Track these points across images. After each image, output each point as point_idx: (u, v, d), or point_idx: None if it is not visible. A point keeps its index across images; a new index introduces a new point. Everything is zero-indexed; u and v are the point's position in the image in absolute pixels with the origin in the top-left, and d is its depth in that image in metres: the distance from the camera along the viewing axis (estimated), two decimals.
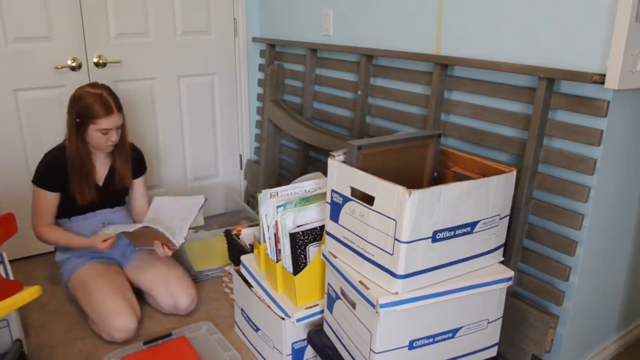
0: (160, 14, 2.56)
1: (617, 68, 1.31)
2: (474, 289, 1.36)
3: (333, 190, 1.44)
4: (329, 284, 1.53)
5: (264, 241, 1.68)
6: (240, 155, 3.02)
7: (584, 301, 1.62)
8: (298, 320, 1.60)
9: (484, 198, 1.33)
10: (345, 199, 1.39)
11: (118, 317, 1.82)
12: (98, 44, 2.44)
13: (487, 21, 1.66)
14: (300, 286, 1.60)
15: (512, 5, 1.58)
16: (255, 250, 1.79)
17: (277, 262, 1.64)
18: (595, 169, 1.44)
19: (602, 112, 1.39)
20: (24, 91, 2.33)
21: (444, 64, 1.80)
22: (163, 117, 2.71)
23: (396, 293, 1.28)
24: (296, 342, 1.66)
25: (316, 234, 1.61)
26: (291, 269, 1.61)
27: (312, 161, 2.58)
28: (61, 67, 2.37)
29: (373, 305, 1.27)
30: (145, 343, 1.81)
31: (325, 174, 1.60)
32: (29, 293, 1.43)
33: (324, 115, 2.45)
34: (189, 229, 2.69)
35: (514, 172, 1.40)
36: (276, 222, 1.60)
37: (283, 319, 1.61)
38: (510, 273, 1.41)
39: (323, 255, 1.53)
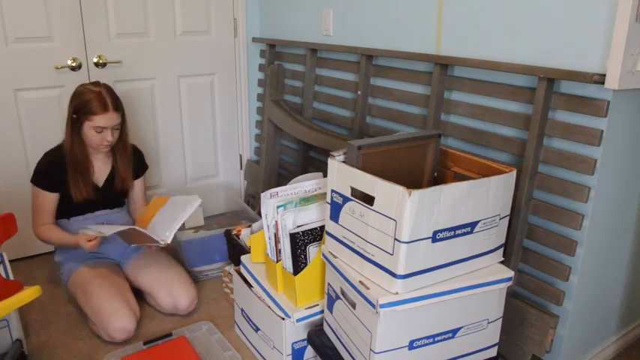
0: (160, 14, 2.56)
1: (617, 68, 1.31)
2: (474, 289, 1.36)
3: (333, 190, 1.44)
4: (329, 284, 1.53)
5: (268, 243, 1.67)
6: (240, 155, 3.02)
7: (584, 301, 1.62)
8: (298, 320, 1.60)
9: (484, 198, 1.33)
10: (345, 199, 1.39)
11: (116, 318, 1.82)
12: (98, 44, 2.44)
13: (487, 21, 1.66)
14: (300, 286, 1.60)
15: (512, 5, 1.58)
16: (268, 268, 1.73)
17: (277, 262, 1.64)
18: (595, 169, 1.44)
19: (602, 112, 1.39)
20: (24, 91, 2.33)
21: (444, 64, 1.80)
22: (163, 117, 2.71)
23: (396, 293, 1.28)
24: (296, 342, 1.66)
25: (316, 234, 1.61)
26: (291, 269, 1.61)
27: (312, 161, 2.58)
28: (61, 67, 2.37)
29: (373, 305, 1.27)
30: (145, 343, 1.81)
31: (325, 174, 1.59)
32: (29, 293, 1.43)
33: (324, 115, 2.45)
34: (189, 229, 2.71)
35: (514, 172, 1.40)
36: (276, 222, 1.60)
37: (283, 319, 1.61)
38: (510, 273, 1.41)
39: (323, 255, 1.53)
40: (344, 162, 1.42)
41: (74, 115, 1.90)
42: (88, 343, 1.89)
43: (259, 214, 2.65)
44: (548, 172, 1.55)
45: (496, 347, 1.49)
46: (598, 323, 1.75)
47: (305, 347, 1.68)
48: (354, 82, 2.24)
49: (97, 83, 1.96)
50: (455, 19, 1.77)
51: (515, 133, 1.65)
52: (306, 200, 1.65)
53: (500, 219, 1.40)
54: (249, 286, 1.80)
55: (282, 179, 2.77)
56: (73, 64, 2.39)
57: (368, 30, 2.13)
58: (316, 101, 2.51)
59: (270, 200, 1.63)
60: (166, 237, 1.86)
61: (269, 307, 1.68)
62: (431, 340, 1.36)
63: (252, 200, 2.93)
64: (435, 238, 1.27)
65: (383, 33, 2.06)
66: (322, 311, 1.64)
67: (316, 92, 2.49)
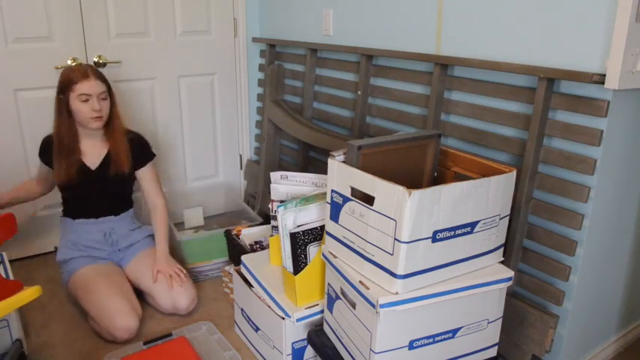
0: (160, 14, 2.56)
1: (617, 68, 1.31)
2: (474, 289, 1.36)
3: (333, 190, 1.44)
4: (329, 284, 1.53)
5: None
6: (240, 155, 3.02)
7: (584, 301, 1.62)
8: (298, 320, 1.60)
9: (484, 198, 1.33)
10: (345, 199, 1.39)
11: (120, 317, 1.82)
12: (98, 44, 2.44)
13: (487, 21, 1.66)
14: (301, 286, 1.60)
15: (512, 5, 1.58)
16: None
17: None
18: (595, 169, 1.44)
19: (602, 112, 1.39)
20: (24, 91, 2.33)
21: (444, 64, 1.80)
22: (163, 117, 2.71)
23: (396, 293, 1.28)
24: (296, 342, 1.66)
25: (317, 234, 1.61)
26: (291, 269, 1.61)
27: (312, 161, 2.58)
28: (61, 67, 2.36)
29: (373, 305, 1.27)
30: (145, 343, 1.81)
31: (325, 174, 1.60)
32: (29, 293, 1.43)
33: (324, 115, 2.45)
34: (189, 229, 2.71)
35: (514, 172, 1.40)
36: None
37: (283, 318, 1.61)
38: (510, 273, 1.41)
39: (323, 255, 1.53)
40: (344, 162, 1.42)
41: (60, 96, 1.92)
42: (88, 343, 1.89)
43: (259, 214, 2.65)
44: (548, 172, 1.55)
45: (496, 347, 1.49)
46: (598, 323, 1.75)
47: (305, 347, 1.68)
48: (354, 82, 2.24)
49: (79, 64, 2.01)
50: (455, 19, 1.77)
51: (515, 133, 1.65)
52: (306, 200, 1.65)
53: (500, 219, 1.40)
54: (249, 286, 1.80)
55: None
56: (73, 64, 2.39)
57: (368, 30, 2.13)
58: (316, 101, 2.51)
59: (280, 182, 1.74)
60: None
61: (269, 306, 1.68)
62: (431, 340, 1.36)
63: (252, 200, 2.93)
64: (435, 238, 1.27)
65: (383, 33, 2.06)
66: (322, 311, 1.64)
67: (316, 92, 2.49)
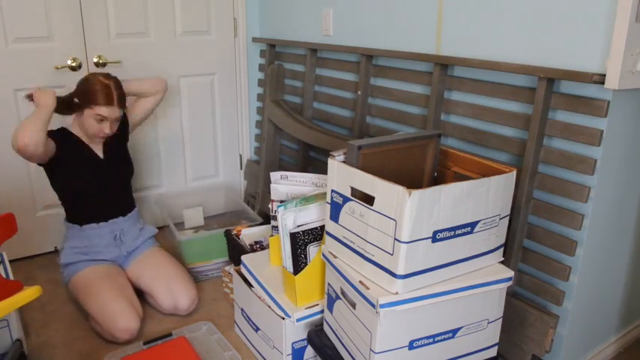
0: (160, 14, 2.56)
1: (617, 68, 1.31)
2: (474, 289, 1.36)
3: (333, 190, 1.44)
4: (329, 284, 1.53)
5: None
6: (240, 155, 3.02)
7: (584, 301, 1.62)
8: (298, 320, 1.60)
9: (484, 198, 1.33)
10: (345, 199, 1.39)
11: (121, 318, 1.82)
12: (98, 44, 2.44)
13: (487, 21, 1.66)
14: (301, 286, 1.60)
15: (512, 5, 1.58)
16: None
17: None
18: (595, 169, 1.44)
19: (602, 112, 1.39)
20: (24, 91, 2.33)
21: (444, 64, 1.80)
22: (163, 117, 2.71)
23: (396, 293, 1.28)
24: (296, 342, 1.66)
25: (316, 234, 1.61)
26: (291, 269, 1.61)
27: (312, 161, 2.58)
28: (61, 67, 2.37)
29: (373, 305, 1.27)
30: (145, 343, 1.81)
31: (325, 174, 1.60)
32: (29, 293, 1.43)
33: (324, 115, 2.45)
34: (189, 229, 2.71)
35: (514, 172, 1.40)
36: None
37: (283, 318, 1.61)
38: (510, 273, 1.41)
39: (323, 255, 1.53)
40: (344, 162, 1.42)
41: (76, 99, 1.91)
42: (88, 343, 1.89)
43: (259, 214, 2.65)
44: (548, 172, 1.55)
45: (496, 347, 1.49)
46: (598, 323, 1.75)
47: (305, 347, 1.68)
48: (354, 82, 2.24)
49: (107, 75, 1.96)
50: (455, 19, 1.77)
51: (515, 133, 1.65)
52: (306, 200, 1.65)
53: (500, 219, 1.40)
54: (249, 286, 1.80)
55: None
56: (73, 64, 2.39)
57: (368, 30, 2.13)
58: (316, 101, 2.51)
59: (280, 181, 1.74)
60: None
61: (269, 306, 1.68)
62: (431, 340, 1.36)
63: (252, 200, 2.93)
64: (435, 238, 1.27)
65: (383, 33, 2.06)
66: (322, 311, 1.64)
67: (316, 92, 2.49)
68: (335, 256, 1.46)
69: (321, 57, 2.43)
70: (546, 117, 1.52)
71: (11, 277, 1.73)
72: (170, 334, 1.87)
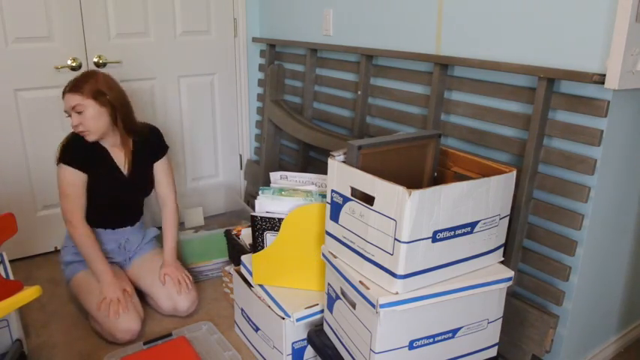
0: (160, 14, 2.56)
1: (617, 68, 1.31)
2: (474, 289, 1.36)
3: (333, 190, 1.44)
4: (329, 284, 1.53)
5: None
6: (240, 155, 3.02)
7: (584, 301, 1.62)
8: (298, 320, 1.60)
9: (484, 198, 1.33)
10: (345, 199, 1.39)
11: (122, 319, 1.82)
12: (98, 44, 2.44)
13: (487, 21, 1.66)
14: (256, 265, 1.72)
15: (512, 5, 1.58)
16: None
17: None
18: (595, 169, 1.44)
19: (602, 112, 1.39)
20: (24, 91, 2.33)
21: (444, 64, 1.80)
22: (163, 117, 2.71)
23: (396, 293, 1.28)
24: (296, 342, 1.66)
25: (274, 224, 1.68)
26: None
27: (312, 161, 2.58)
28: (61, 67, 2.37)
29: (373, 305, 1.27)
30: (145, 343, 1.81)
31: (325, 174, 1.60)
32: (29, 293, 1.43)
33: (324, 115, 2.45)
34: (189, 229, 2.70)
35: (514, 172, 1.40)
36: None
37: (283, 318, 1.61)
38: (510, 273, 1.41)
39: (323, 255, 1.53)
40: (344, 162, 1.42)
41: None
42: (88, 343, 1.89)
43: None
44: (548, 172, 1.55)
45: (496, 347, 1.49)
46: (598, 323, 1.75)
47: (305, 347, 1.68)
48: (354, 82, 2.24)
49: (93, 70, 1.90)
50: (455, 19, 1.77)
51: (515, 133, 1.65)
52: (284, 191, 1.70)
53: (500, 219, 1.40)
54: (249, 286, 1.80)
55: None
56: (73, 64, 2.39)
57: (368, 30, 2.13)
58: (316, 101, 2.51)
59: (279, 181, 1.81)
60: None
61: (269, 306, 1.68)
62: (431, 340, 1.36)
63: (252, 200, 2.92)
64: (435, 238, 1.27)
65: (383, 33, 2.06)
66: (322, 311, 1.64)
67: (316, 92, 2.49)
68: (335, 256, 1.46)
69: (321, 57, 2.43)
70: (546, 117, 1.52)
71: (11, 277, 1.73)
72: (170, 334, 1.87)
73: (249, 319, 1.82)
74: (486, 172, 1.44)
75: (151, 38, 2.57)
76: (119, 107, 1.88)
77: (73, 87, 1.81)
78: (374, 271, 1.32)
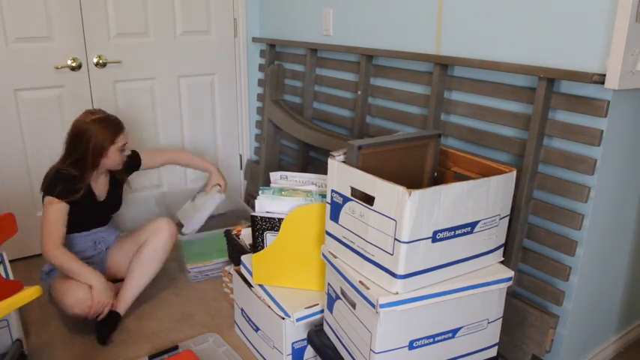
0: (160, 14, 2.56)
1: (617, 68, 1.31)
2: (474, 289, 1.36)
3: (333, 190, 1.44)
4: (329, 284, 1.53)
5: None
6: (240, 155, 3.02)
7: (584, 301, 1.62)
8: (298, 320, 1.60)
9: (484, 198, 1.33)
10: (345, 199, 1.39)
11: (70, 293, 1.82)
12: (98, 44, 2.44)
13: (487, 21, 1.66)
14: (256, 265, 1.72)
15: (512, 5, 1.58)
16: None
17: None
18: (595, 169, 1.44)
19: (602, 112, 1.39)
20: (24, 91, 2.33)
21: (444, 64, 1.80)
22: (163, 117, 2.71)
23: (396, 293, 1.28)
24: (296, 342, 1.66)
25: (274, 224, 1.68)
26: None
27: (312, 161, 2.58)
28: (61, 67, 2.37)
29: (373, 305, 1.27)
30: (150, 358, 1.77)
31: (325, 174, 1.60)
32: (29, 293, 1.43)
33: (324, 115, 2.45)
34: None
35: (514, 172, 1.40)
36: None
37: (283, 318, 1.61)
38: (510, 273, 1.41)
39: (323, 255, 1.53)
40: (344, 162, 1.42)
41: (92, 152, 1.89)
42: (88, 343, 1.89)
43: None
44: (548, 172, 1.55)
45: (496, 347, 1.49)
46: (598, 323, 1.75)
47: (305, 347, 1.68)
48: (354, 82, 2.24)
49: (90, 111, 1.95)
50: (455, 19, 1.77)
51: (515, 133, 1.65)
52: (284, 191, 1.69)
53: (500, 219, 1.40)
54: (249, 286, 1.80)
55: None
56: (73, 64, 2.39)
57: (368, 30, 2.13)
58: (316, 101, 2.51)
59: (279, 181, 1.82)
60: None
61: (269, 306, 1.68)
62: (431, 340, 1.36)
63: (252, 200, 2.92)
64: (435, 238, 1.27)
65: (383, 33, 2.06)
66: (322, 311, 1.64)
67: (316, 92, 2.49)
68: (335, 256, 1.46)
69: (321, 57, 2.43)
70: (546, 117, 1.52)
71: (11, 277, 1.73)
72: (176, 347, 1.82)
73: (249, 319, 1.82)
74: (486, 172, 1.44)
75: (150, 38, 2.57)
76: None
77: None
78: (374, 271, 1.32)
